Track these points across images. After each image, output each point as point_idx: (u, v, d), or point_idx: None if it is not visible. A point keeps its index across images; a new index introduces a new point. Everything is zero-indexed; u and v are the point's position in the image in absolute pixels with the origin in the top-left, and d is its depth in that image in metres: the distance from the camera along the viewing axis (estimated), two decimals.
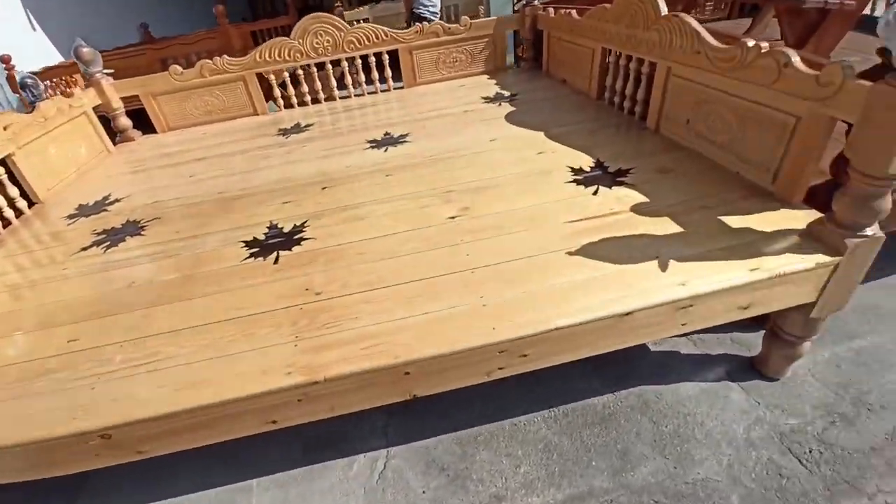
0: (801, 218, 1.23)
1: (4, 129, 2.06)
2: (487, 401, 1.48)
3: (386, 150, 2.10)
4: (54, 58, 5.49)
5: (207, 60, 2.81)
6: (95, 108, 2.77)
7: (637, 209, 1.39)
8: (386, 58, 2.95)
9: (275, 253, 1.46)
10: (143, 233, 1.76)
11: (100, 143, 2.74)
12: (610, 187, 1.53)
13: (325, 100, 3.07)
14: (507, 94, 2.66)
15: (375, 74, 3.00)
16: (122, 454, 1.05)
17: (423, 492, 1.27)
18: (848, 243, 1.07)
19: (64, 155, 2.43)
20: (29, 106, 2.37)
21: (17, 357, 1.20)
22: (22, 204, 2.11)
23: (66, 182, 2.39)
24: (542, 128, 2.09)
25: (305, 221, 1.62)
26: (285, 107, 3.03)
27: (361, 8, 5.36)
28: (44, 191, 2.24)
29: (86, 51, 2.63)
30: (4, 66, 4.29)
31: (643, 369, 1.52)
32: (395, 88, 3.10)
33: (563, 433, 1.37)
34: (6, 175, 2.05)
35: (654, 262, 1.15)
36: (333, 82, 3.00)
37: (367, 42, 2.88)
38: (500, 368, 1.07)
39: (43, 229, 1.96)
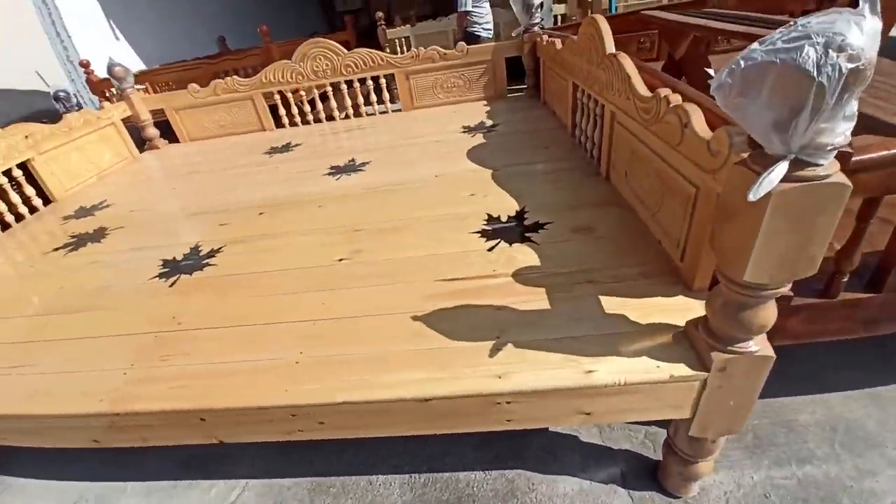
0: (688, 312, 1.04)
1: (26, 137, 2.39)
2: (360, 450, 1.45)
3: (338, 179, 2.15)
4: (136, 65, 6.26)
5: (220, 80, 3.06)
6: (126, 119, 3.12)
7: (518, 275, 1.28)
8: (383, 81, 3.00)
9: (177, 276, 1.55)
10: (101, 241, 1.95)
11: (125, 150, 3.08)
12: (511, 244, 1.43)
13: (327, 119, 3.19)
14: (489, 123, 2.60)
15: (374, 98, 3.07)
16: None
17: None
18: (714, 357, 0.88)
19: (86, 160, 2.77)
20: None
21: None
22: (37, 202, 2.44)
23: (86, 184, 2.71)
24: (495, 165, 2.01)
25: (223, 247, 1.70)
26: (290, 125, 3.19)
27: (403, 27, 5.50)
28: (62, 192, 2.57)
29: (118, 69, 2.98)
30: (84, 70, 4.96)
31: (531, 451, 1.37)
32: (394, 111, 3.15)
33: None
34: (24, 176, 2.38)
35: (489, 345, 1.05)
36: (333, 103, 3.11)
37: (363, 66, 2.96)
38: (300, 431, 1.05)
39: (41, 227, 2.24)
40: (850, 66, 0.55)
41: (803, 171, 0.64)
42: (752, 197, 0.63)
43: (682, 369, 0.91)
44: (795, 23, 0.60)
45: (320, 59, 2.95)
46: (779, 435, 1.31)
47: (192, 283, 1.50)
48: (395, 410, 0.99)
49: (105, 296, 1.52)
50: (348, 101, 3.12)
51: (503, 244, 1.43)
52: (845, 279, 1.02)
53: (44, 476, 1.52)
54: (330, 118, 3.19)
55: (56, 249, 1.96)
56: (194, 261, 1.63)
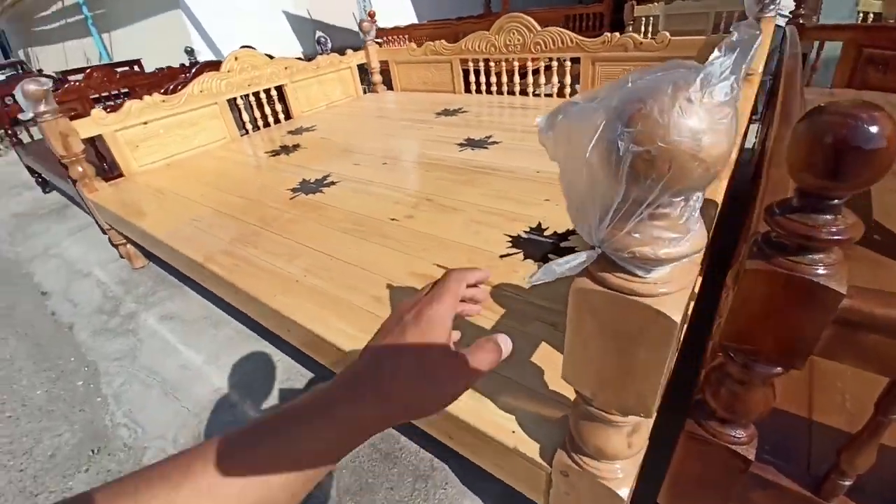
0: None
1: (285, 68, 3.28)
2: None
3: (462, 151, 2.29)
4: (410, 19, 7.37)
5: (431, 43, 3.46)
6: (361, 66, 3.88)
7: (497, 290, 1.24)
8: (568, 64, 2.90)
9: (299, 193, 2.03)
10: (289, 155, 2.62)
11: (353, 90, 3.86)
12: (525, 258, 1.36)
13: (508, 93, 3.29)
14: None
15: (556, 79, 3.00)
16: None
17: None
18: (558, 454, 0.77)
19: (322, 93, 3.61)
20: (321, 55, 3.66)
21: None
22: (281, 117, 3.36)
23: (315, 111, 3.57)
24: None
25: (340, 181, 2.10)
26: (475, 92, 3.42)
27: (655, 4, 4.91)
28: (298, 112, 3.46)
29: (365, 24, 3.68)
30: (370, 19, 6.14)
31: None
32: (570, 96, 3.03)
33: None
34: (277, 96, 3.29)
35: None
36: (516, 78, 3.18)
37: (552, 45, 2.90)
38: (281, 328, 1.36)
39: (273, 134, 3.11)
40: (636, 148, 0.42)
41: (614, 274, 0.50)
42: (525, 282, 0.55)
43: (530, 447, 0.82)
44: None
45: (513, 34, 3.02)
46: None
47: (302, 202, 1.94)
48: (325, 348, 1.18)
49: (255, 193, 2.11)
50: (530, 79, 3.13)
51: (518, 256, 1.38)
52: (847, 482, 0.68)
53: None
54: (511, 92, 3.28)
55: (266, 152, 2.73)
56: (315, 185, 2.08)
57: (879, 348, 0.54)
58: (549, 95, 3.09)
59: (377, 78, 3.96)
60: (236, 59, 3.05)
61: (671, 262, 0.47)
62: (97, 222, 2.61)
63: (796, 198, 0.51)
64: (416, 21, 7.61)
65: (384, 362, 0.34)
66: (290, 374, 1.78)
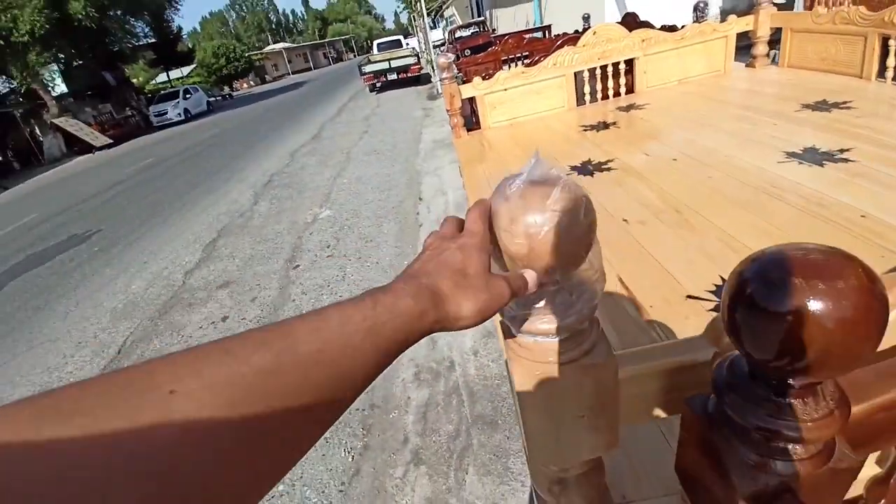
0: None
1: (642, 41, 3.20)
2: None
3: (783, 163, 1.80)
4: None
5: (843, 9, 2.54)
6: (745, 34, 3.27)
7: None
8: None
9: (577, 173, 2.18)
10: (598, 132, 2.72)
11: (721, 63, 3.35)
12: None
13: None
14: None
15: None
16: None
17: None
18: None
19: (679, 66, 3.34)
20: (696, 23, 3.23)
21: None
22: (622, 90, 3.39)
23: (663, 86, 3.38)
24: None
25: (611, 168, 2.10)
26: (891, 80, 2.37)
27: None
28: (642, 87, 3.38)
29: None
30: None
31: None
32: None
33: None
34: (625, 69, 3.31)
35: None
36: None
37: None
38: None
39: (608, 108, 3.23)
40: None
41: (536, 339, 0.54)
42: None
43: None
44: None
45: None
46: None
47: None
48: None
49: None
50: None
51: (707, 304, 1.15)
52: None
53: None
54: None
55: (582, 126, 2.92)
56: (591, 168, 2.17)
57: None
58: None
59: (760, 49, 3.26)
60: (595, 32, 3.23)
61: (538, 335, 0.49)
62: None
63: None
64: None
65: (428, 265, 0.38)
66: None
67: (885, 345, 0.50)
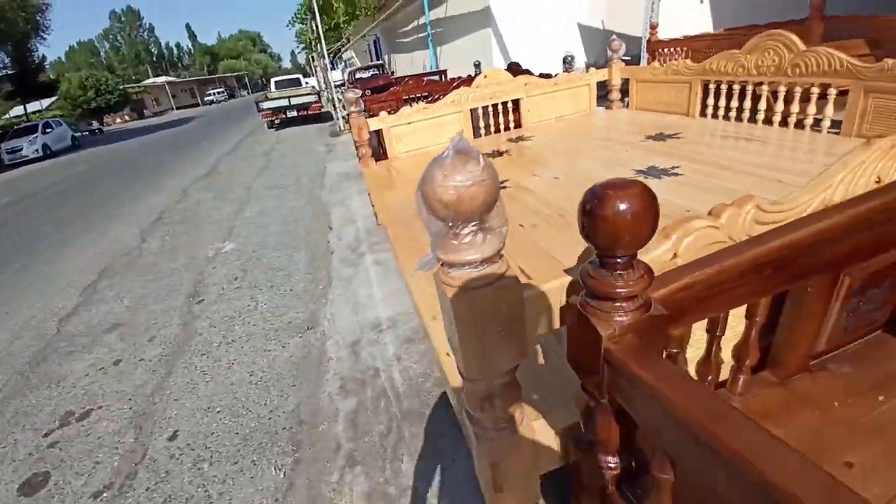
0: None
1: (525, 84, 3.74)
2: None
3: (634, 177, 2.26)
4: (707, 27, 6.68)
5: (674, 63, 3.28)
6: (603, 82, 3.98)
7: None
8: (832, 93, 2.34)
9: None
10: (493, 158, 3.09)
11: (586, 105, 4.02)
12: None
13: (749, 121, 2.86)
14: None
15: (812, 109, 2.47)
16: None
17: None
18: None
19: (555, 106, 3.93)
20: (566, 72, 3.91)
21: None
22: (512, 125, 3.87)
23: (543, 122, 3.93)
24: None
25: (505, 181, 2.43)
26: (711, 116, 3.10)
27: None
28: (528, 122, 3.90)
29: (615, 42, 3.76)
30: (651, 31, 5.96)
31: None
32: (829, 131, 2.43)
33: None
34: (512, 107, 3.81)
35: None
36: (762, 104, 2.74)
37: (815, 69, 2.38)
38: None
39: (501, 139, 3.66)
40: (422, 204, 0.66)
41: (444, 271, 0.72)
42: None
43: None
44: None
45: (769, 53, 2.60)
46: None
47: None
48: None
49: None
50: (778, 107, 2.65)
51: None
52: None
53: None
54: (752, 120, 2.84)
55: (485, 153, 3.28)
56: None
57: (633, 401, 0.58)
58: (800, 127, 2.55)
59: (615, 95, 3.99)
60: (485, 76, 3.70)
61: (464, 266, 0.68)
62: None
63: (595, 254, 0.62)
64: (711, 30, 6.86)
65: None
66: (420, 326, 2.29)
67: (685, 259, 0.77)
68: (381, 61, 16.29)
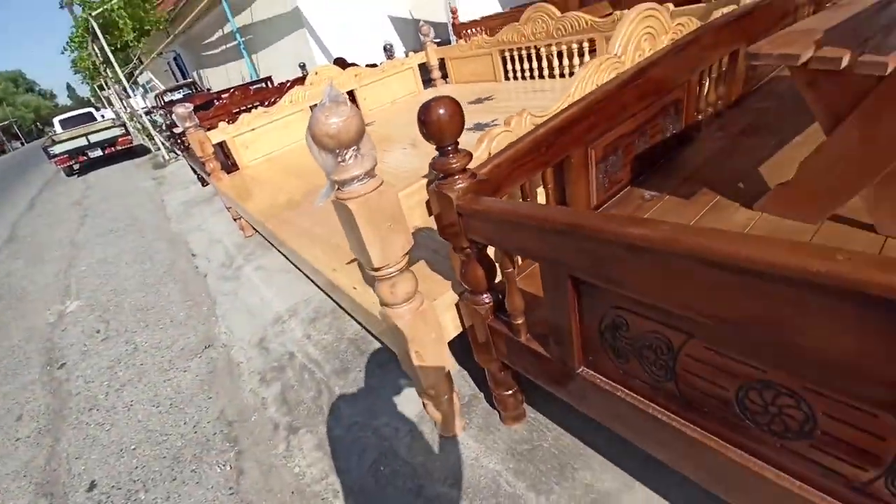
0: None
1: (356, 75, 4.01)
2: None
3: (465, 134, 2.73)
4: (495, 9, 7.68)
5: (475, 39, 3.88)
6: (424, 65, 4.45)
7: None
8: (586, 46, 3.10)
9: None
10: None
11: (414, 86, 4.46)
12: None
13: (539, 77, 3.57)
14: None
15: (577, 60, 3.21)
16: None
17: None
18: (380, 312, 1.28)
19: (387, 92, 4.29)
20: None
21: None
22: None
23: (382, 108, 4.26)
24: None
25: None
26: (513, 79, 3.76)
27: None
28: (367, 110, 4.19)
29: (424, 27, 4.24)
30: (453, 15, 6.67)
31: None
32: None
33: None
34: (350, 99, 4.04)
35: None
36: (545, 62, 3.45)
37: (570, 29, 3.12)
38: None
39: None
40: (311, 140, 0.92)
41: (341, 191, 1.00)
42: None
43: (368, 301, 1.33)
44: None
45: (539, 22, 3.29)
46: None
47: None
48: (318, 275, 1.79)
49: (310, 175, 2.83)
50: (555, 63, 3.38)
51: None
52: (519, 321, 1.04)
53: None
54: (542, 76, 3.55)
55: None
56: None
57: (480, 230, 0.94)
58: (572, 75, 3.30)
59: (436, 74, 4.50)
60: (316, 73, 3.87)
61: (353, 181, 0.95)
62: (224, 203, 3.64)
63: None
64: (500, 10, 7.93)
65: None
66: (320, 304, 2.48)
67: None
68: (190, 79, 14.87)
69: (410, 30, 10.12)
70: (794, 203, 1.16)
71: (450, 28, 4.12)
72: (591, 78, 1.38)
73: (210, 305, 2.99)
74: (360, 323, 2.25)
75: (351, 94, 4.10)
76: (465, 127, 2.42)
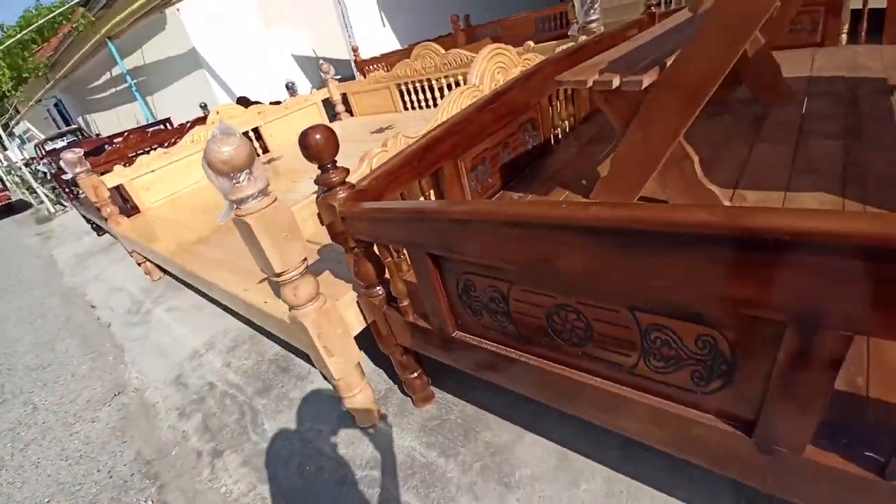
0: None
1: (259, 113, 4.11)
2: None
3: None
4: (394, 46, 8.17)
5: (372, 74, 4.18)
6: (325, 100, 4.66)
7: None
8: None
9: None
10: None
11: (319, 121, 4.64)
12: None
13: (434, 106, 3.93)
14: None
15: None
16: None
17: None
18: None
19: (291, 128, 4.42)
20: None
21: None
22: (259, 151, 4.19)
23: (289, 143, 4.38)
24: None
25: None
26: (412, 109, 4.09)
27: None
28: (273, 146, 4.28)
29: (324, 66, 4.46)
30: (354, 53, 7.00)
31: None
32: None
33: None
34: (255, 135, 4.12)
35: None
36: (437, 93, 3.82)
37: (456, 64, 3.52)
38: None
39: None
40: (206, 167, 1.08)
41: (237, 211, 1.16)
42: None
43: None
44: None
45: (427, 59, 3.67)
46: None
47: None
48: (238, 303, 1.88)
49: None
50: (446, 92, 3.76)
51: None
52: (405, 303, 1.27)
53: None
54: (436, 105, 3.91)
55: None
56: None
57: (361, 230, 1.16)
58: None
59: (340, 108, 4.73)
60: (217, 112, 3.91)
61: (248, 199, 1.12)
62: (125, 248, 3.50)
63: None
64: (398, 46, 8.44)
65: None
66: (238, 333, 2.51)
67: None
68: (75, 125, 13.73)
69: (314, 68, 10.35)
70: (611, 190, 1.52)
71: (353, 64, 4.38)
72: (455, 102, 1.68)
73: (117, 354, 2.85)
74: (278, 342, 2.33)
75: (257, 131, 4.18)
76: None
